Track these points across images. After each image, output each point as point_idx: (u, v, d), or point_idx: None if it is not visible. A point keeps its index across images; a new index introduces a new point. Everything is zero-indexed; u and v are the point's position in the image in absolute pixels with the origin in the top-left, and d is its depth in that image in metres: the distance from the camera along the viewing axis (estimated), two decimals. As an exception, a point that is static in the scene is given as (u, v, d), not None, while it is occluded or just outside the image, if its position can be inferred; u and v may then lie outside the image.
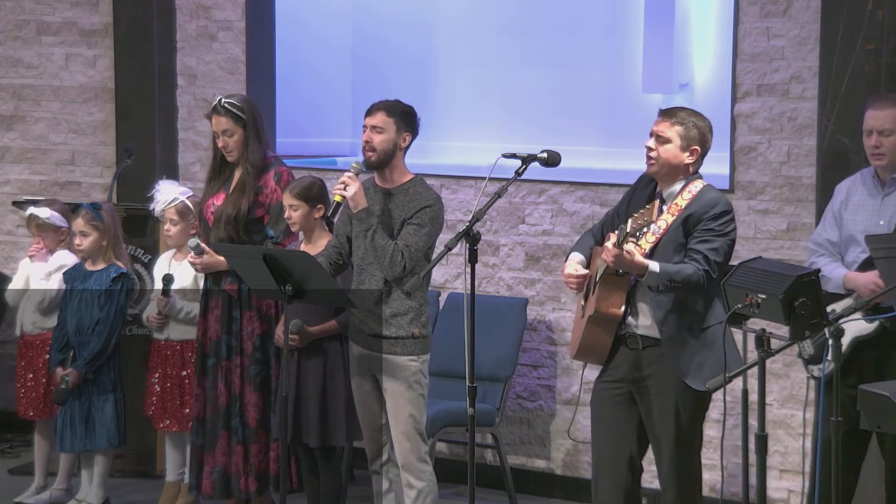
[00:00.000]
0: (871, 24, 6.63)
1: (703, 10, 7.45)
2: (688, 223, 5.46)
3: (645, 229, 5.39)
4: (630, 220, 5.31)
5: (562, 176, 7.40)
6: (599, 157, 7.62)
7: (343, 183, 5.98)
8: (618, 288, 5.52)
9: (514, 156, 5.71)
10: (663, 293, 5.44)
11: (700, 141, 5.54)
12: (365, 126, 6.08)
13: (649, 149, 5.54)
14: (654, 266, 5.35)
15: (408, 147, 6.12)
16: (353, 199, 5.99)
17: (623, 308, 5.52)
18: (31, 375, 7.49)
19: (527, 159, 5.72)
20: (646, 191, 5.66)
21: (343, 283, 6.36)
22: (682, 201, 5.49)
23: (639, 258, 5.32)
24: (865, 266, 6.02)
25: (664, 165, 5.53)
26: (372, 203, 6.06)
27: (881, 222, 6.08)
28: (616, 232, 5.35)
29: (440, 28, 8.22)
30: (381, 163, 6.07)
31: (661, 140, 5.52)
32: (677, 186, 5.54)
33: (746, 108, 7.14)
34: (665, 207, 5.52)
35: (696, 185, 5.53)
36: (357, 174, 6.03)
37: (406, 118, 6.09)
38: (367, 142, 6.06)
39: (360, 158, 6.16)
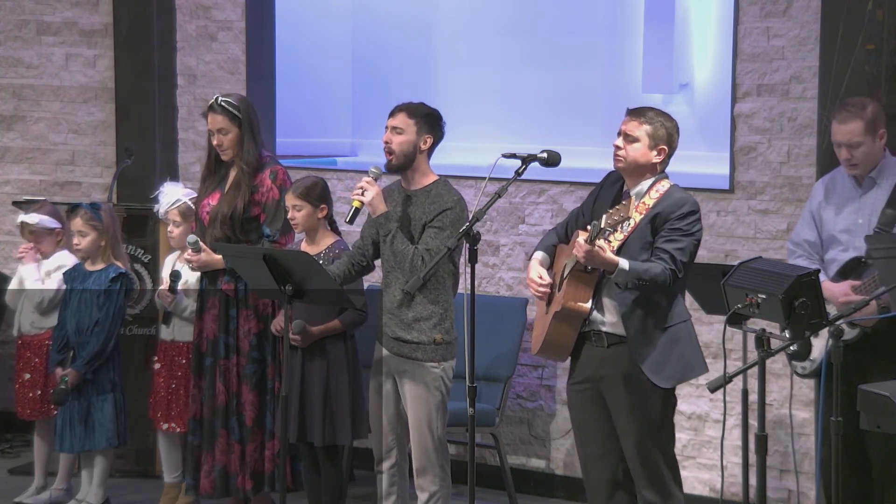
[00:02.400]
0: (871, 24, 6.64)
1: (703, 10, 7.45)
2: (655, 222, 5.51)
3: (620, 225, 5.42)
4: (604, 217, 5.35)
5: (562, 176, 7.39)
6: (599, 157, 7.58)
7: (361, 188, 5.98)
8: (585, 284, 5.55)
9: (514, 156, 5.73)
10: (629, 290, 5.46)
11: (667, 141, 5.59)
12: (386, 127, 6.07)
13: (617, 147, 5.58)
14: (624, 263, 5.39)
15: (430, 149, 6.11)
16: (371, 205, 5.98)
17: (590, 304, 5.55)
18: (28, 376, 7.49)
19: (527, 159, 5.73)
20: (612, 189, 5.71)
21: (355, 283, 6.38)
22: (650, 200, 5.54)
23: (609, 255, 5.37)
24: (847, 268, 6.04)
25: (631, 164, 5.59)
26: (394, 205, 6.06)
27: (860, 220, 6.11)
28: (588, 228, 5.37)
29: (440, 28, 8.22)
30: (400, 165, 6.07)
31: (630, 139, 5.58)
32: (645, 185, 5.59)
33: (746, 108, 7.14)
34: (633, 206, 5.54)
35: (664, 185, 5.59)
36: (376, 179, 6.02)
37: (428, 120, 6.08)
38: (386, 143, 6.06)
39: (380, 163, 6.14)
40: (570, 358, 5.76)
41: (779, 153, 7.08)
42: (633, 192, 5.59)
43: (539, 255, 5.80)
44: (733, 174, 7.18)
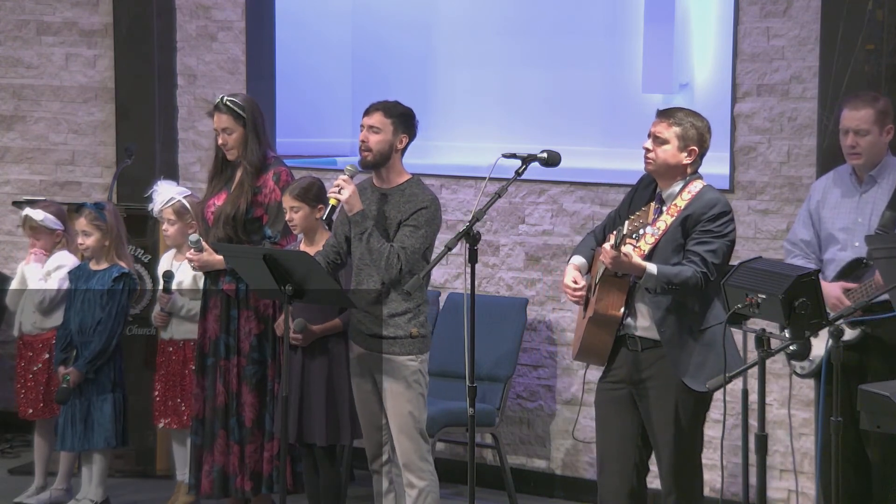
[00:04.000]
0: (871, 24, 6.64)
1: (703, 10, 7.45)
2: (686, 224, 5.46)
3: (641, 231, 5.40)
4: (627, 222, 5.33)
5: (562, 176, 7.39)
6: (599, 157, 7.61)
7: (338, 186, 5.99)
8: (617, 289, 5.52)
9: (514, 156, 5.72)
10: (661, 295, 5.44)
11: (698, 141, 5.53)
12: (362, 125, 6.08)
13: (647, 150, 5.54)
14: (652, 268, 5.35)
15: (405, 149, 6.12)
16: (348, 203, 5.99)
17: (622, 309, 5.53)
18: (30, 376, 7.50)
19: (527, 159, 5.72)
20: (647, 191, 5.66)
21: (343, 281, 6.37)
22: (682, 202, 5.49)
23: (636, 260, 5.33)
24: (848, 269, 6.03)
25: (662, 166, 5.53)
26: (368, 204, 6.06)
27: (860, 220, 6.11)
28: (615, 233, 5.36)
29: (440, 28, 8.22)
30: (376, 163, 6.08)
31: (659, 141, 5.52)
32: (676, 187, 5.54)
33: (746, 108, 7.14)
34: (664, 208, 5.52)
35: (696, 186, 5.53)
36: (352, 177, 6.03)
37: (404, 120, 6.09)
38: (363, 141, 6.07)
39: (355, 161, 6.16)
40: None
41: (779, 153, 7.08)
42: (664, 195, 5.55)
43: (577, 259, 5.74)
44: (733, 174, 7.18)
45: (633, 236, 5.38)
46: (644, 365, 5.56)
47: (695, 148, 5.53)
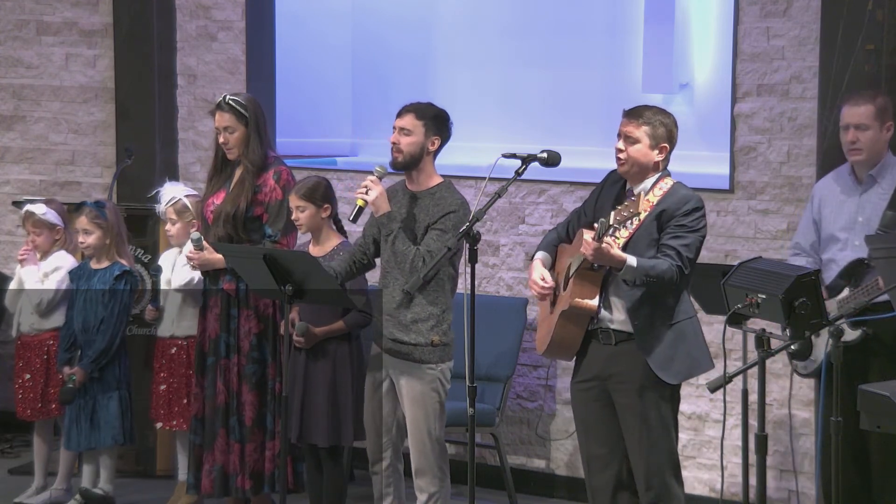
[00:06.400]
0: (871, 24, 6.64)
1: (703, 10, 7.45)
2: (661, 219, 5.52)
3: (629, 221, 5.42)
4: (612, 213, 5.35)
5: (562, 176, 7.39)
6: (599, 157, 7.59)
7: (365, 187, 5.98)
8: (592, 282, 5.56)
9: (514, 156, 5.73)
10: (636, 287, 5.46)
11: (668, 138, 5.61)
12: (394, 127, 6.06)
13: (619, 150, 5.59)
14: (632, 260, 5.39)
15: (437, 151, 6.11)
16: (375, 204, 5.98)
17: (597, 301, 5.55)
18: (28, 376, 7.49)
19: (527, 159, 5.73)
20: (614, 188, 5.71)
21: (358, 281, 6.37)
22: (654, 197, 5.55)
23: (617, 251, 5.37)
24: (849, 270, 6.02)
25: (635, 165, 5.60)
26: (399, 206, 6.05)
27: (860, 219, 6.11)
28: (596, 226, 5.38)
29: (440, 28, 8.22)
30: (406, 165, 6.06)
31: (630, 141, 5.58)
32: (648, 183, 5.60)
33: (746, 108, 7.14)
34: (642, 201, 5.55)
35: (667, 182, 5.60)
36: (380, 178, 6.02)
37: (436, 122, 6.07)
38: (394, 143, 6.05)
39: (385, 161, 6.14)
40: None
41: (779, 153, 7.08)
42: (636, 191, 5.59)
43: (541, 255, 5.80)
44: (733, 174, 7.18)
45: (620, 226, 5.40)
46: (616, 359, 5.60)
47: (665, 145, 5.61)
